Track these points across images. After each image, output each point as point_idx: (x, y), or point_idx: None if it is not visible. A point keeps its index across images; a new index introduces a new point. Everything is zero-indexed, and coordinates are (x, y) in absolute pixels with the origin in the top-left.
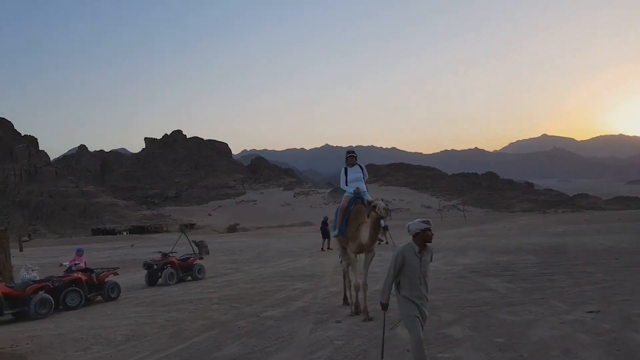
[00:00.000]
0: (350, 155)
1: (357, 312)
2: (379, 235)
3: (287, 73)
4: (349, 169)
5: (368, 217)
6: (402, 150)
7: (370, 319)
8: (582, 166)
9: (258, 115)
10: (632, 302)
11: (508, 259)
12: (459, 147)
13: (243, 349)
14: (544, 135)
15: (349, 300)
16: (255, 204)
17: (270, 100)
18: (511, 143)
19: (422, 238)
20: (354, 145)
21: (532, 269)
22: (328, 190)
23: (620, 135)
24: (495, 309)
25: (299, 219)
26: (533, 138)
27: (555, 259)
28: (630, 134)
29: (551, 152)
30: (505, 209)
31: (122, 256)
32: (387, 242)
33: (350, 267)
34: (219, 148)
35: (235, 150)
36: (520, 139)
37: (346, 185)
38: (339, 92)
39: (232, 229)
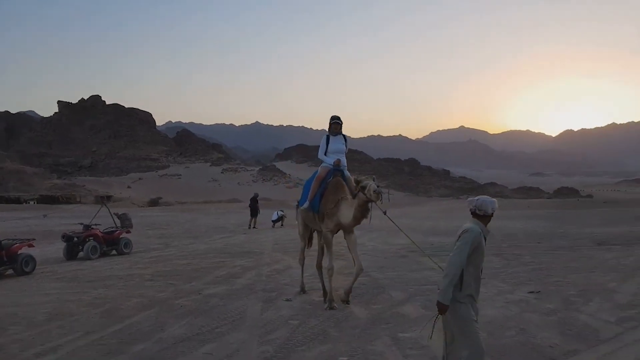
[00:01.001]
0: (335, 122)
1: (331, 306)
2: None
3: (219, 44)
4: (331, 138)
5: (354, 197)
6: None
7: (334, 308)
8: (493, 157)
9: (185, 85)
10: (565, 283)
11: (440, 239)
12: (384, 134)
13: (190, 329)
14: (462, 127)
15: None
16: (180, 178)
17: (199, 70)
18: (432, 132)
19: (488, 221)
20: (285, 125)
21: None
22: (257, 168)
23: (528, 131)
24: None
25: (226, 196)
26: (451, 129)
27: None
28: (536, 131)
29: (467, 143)
30: (424, 193)
31: (31, 227)
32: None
33: (325, 249)
34: (142, 117)
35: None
36: (440, 129)
37: (325, 155)
38: (274, 70)
39: (154, 202)
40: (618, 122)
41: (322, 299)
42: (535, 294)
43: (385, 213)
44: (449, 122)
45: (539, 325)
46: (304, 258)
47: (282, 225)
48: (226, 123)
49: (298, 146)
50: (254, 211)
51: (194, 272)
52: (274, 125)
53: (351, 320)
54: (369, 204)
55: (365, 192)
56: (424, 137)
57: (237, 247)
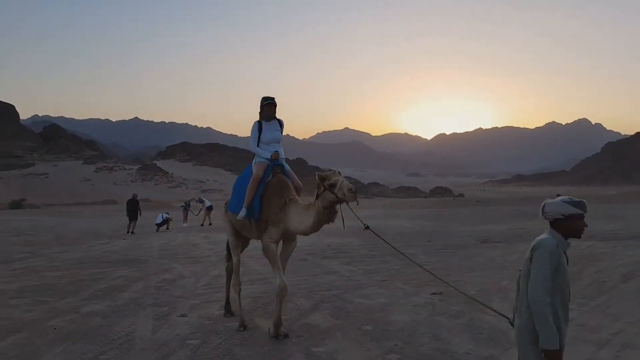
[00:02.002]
0: (269, 104)
1: (284, 333)
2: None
3: (92, 29)
4: (264, 124)
5: (317, 198)
6: (217, 131)
7: (287, 335)
8: (375, 158)
9: (54, 75)
10: (464, 282)
11: (335, 241)
12: None
13: (68, 357)
14: (346, 129)
15: (235, 309)
16: (47, 177)
17: (70, 59)
18: (318, 133)
19: (571, 228)
20: (167, 122)
21: (362, 251)
22: (136, 167)
23: (406, 134)
24: (347, 293)
25: (101, 197)
26: (337, 130)
27: (377, 241)
28: (414, 134)
29: (351, 144)
30: (310, 193)
31: None
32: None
33: (270, 264)
34: (4, 110)
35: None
36: (326, 130)
37: (258, 146)
38: (155, 60)
39: (17, 205)
40: (484, 128)
41: (223, 312)
42: (438, 295)
43: (367, 227)
44: (335, 123)
45: (450, 329)
46: (239, 282)
47: (167, 228)
48: (101, 118)
49: (182, 144)
50: (133, 214)
51: (68, 286)
52: (155, 121)
53: (258, 336)
54: (338, 206)
55: (336, 191)
56: (310, 137)
57: (117, 254)
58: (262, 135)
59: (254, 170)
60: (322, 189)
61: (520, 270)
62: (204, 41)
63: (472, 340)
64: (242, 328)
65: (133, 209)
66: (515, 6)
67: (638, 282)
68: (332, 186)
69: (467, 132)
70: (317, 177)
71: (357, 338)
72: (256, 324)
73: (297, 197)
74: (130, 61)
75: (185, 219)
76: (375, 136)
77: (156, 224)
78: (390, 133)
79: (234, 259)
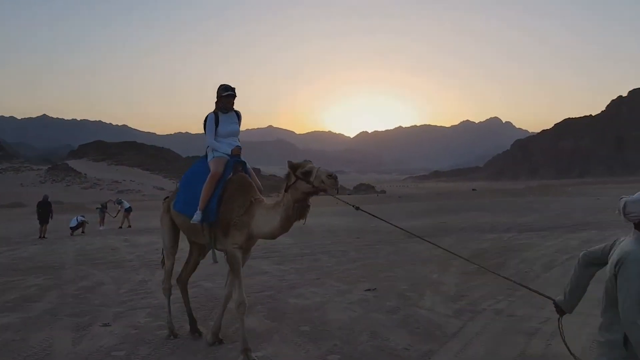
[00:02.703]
0: (229, 94)
1: (219, 340)
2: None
3: None
4: (222, 117)
5: (286, 190)
6: (134, 129)
7: (221, 341)
8: (299, 156)
9: None
10: (395, 278)
11: (264, 240)
12: (192, 130)
13: None
14: (270, 127)
15: (169, 323)
16: None
17: None
18: (241, 131)
19: None
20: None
21: (293, 249)
22: (45, 167)
23: (330, 132)
24: (281, 293)
25: (6, 200)
26: (261, 128)
27: (308, 239)
28: (337, 132)
29: (275, 142)
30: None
31: None
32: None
33: (233, 274)
34: None
35: None
36: (250, 128)
37: (215, 140)
38: (62, 54)
39: None
40: (404, 126)
41: (149, 319)
42: (372, 291)
43: (357, 208)
44: (258, 121)
45: (387, 325)
46: (170, 286)
47: (83, 232)
48: (5, 115)
49: (95, 142)
50: (45, 217)
51: None
52: (66, 118)
53: (190, 343)
54: (309, 198)
55: (312, 179)
56: None
57: (28, 261)
58: (219, 129)
59: (212, 167)
60: (293, 179)
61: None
62: (119, 33)
63: (409, 335)
64: (172, 336)
65: (44, 211)
66: (433, 7)
67: (558, 271)
68: (307, 174)
69: (388, 130)
70: (288, 166)
71: (295, 340)
72: (187, 331)
73: (263, 198)
74: (37, 53)
75: (102, 221)
76: (300, 134)
77: (70, 228)
78: (314, 131)
79: (168, 262)
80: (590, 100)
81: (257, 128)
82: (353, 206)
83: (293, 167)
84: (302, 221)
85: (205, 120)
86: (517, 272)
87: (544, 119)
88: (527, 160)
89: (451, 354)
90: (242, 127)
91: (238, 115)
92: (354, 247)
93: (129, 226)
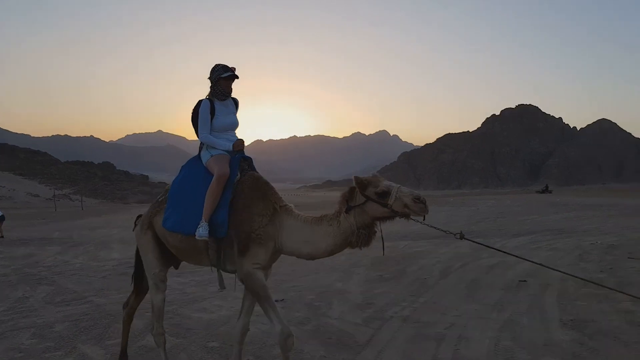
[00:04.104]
0: (230, 75)
1: None
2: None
3: None
4: (218, 105)
5: (347, 212)
6: (4, 130)
7: None
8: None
9: None
10: (301, 287)
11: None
12: (72, 134)
13: None
14: (160, 131)
15: None
16: None
17: None
18: (128, 135)
19: None
20: None
21: None
22: None
23: None
24: (184, 307)
25: None
26: (149, 133)
27: None
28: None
29: (165, 147)
30: (120, 200)
31: None
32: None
33: (262, 301)
34: None
35: None
36: (138, 132)
37: (210, 133)
38: None
39: None
40: (298, 135)
41: (36, 340)
42: (280, 302)
43: (462, 237)
44: (147, 125)
45: (299, 336)
46: (164, 331)
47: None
48: None
49: None
50: None
51: None
52: None
53: None
54: (379, 223)
55: (390, 202)
56: (118, 139)
57: None
58: (214, 121)
59: (215, 167)
60: (360, 199)
61: None
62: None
63: (322, 346)
64: None
65: None
66: (327, 17)
67: (454, 277)
68: (384, 195)
69: (282, 139)
70: (355, 183)
71: (204, 357)
72: (82, 353)
73: (290, 204)
74: None
75: None
76: (192, 140)
77: None
78: None
79: (158, 297)
80: (468, 118)
81: (146, 132)
82: (455, 234)
83: (362, 184)
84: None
85: (196, 110)
86: (417, 279)
87: (427, 134)
88: (412, 172)
89: None
90: (128, 130)
91: (236, 103)
92: None
93: (2, 236)
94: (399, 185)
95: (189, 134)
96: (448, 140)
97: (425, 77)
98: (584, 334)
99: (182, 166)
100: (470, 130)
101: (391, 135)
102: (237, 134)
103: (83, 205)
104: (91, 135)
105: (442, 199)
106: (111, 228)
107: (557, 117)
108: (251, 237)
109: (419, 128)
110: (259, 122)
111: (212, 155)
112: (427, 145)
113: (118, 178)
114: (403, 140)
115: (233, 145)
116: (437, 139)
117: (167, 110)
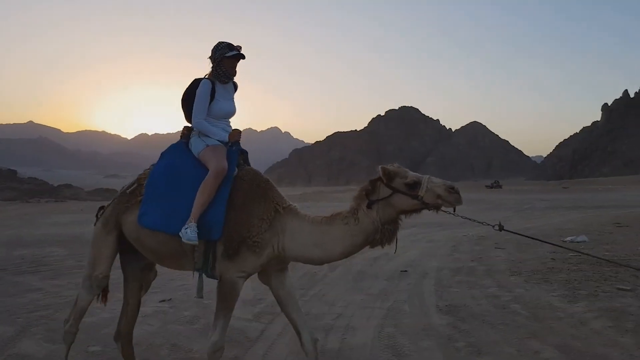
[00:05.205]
0: (236, 55)
1: None
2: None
3: None
4: (219, 88)
5: (370, 206)
6: None
7: None
8: (66, 157)
9: None
10: (189, 286)
11: (32, 252)
12: None
13: None
14: (31, 123)
15: None
16: None
17: None
18: None
19: None
20: None
21: (67, 262)
22: None
23: (104, 132)
24: (60, 312)
25: None
26: (19, 124)
27: (84, 249)
28: (113, 132)
29: (37, 140)
30: (25, 197)
31: None
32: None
33: (222, 310)
34: None
35: None
36: (5, 123)
37: (205, 120)
38: None
39: None
40: None
41: None
42: (167, 302)
43: (501, 228)
44: (16, 116)
45: (188, 336)
46: (77, 330)
47: None
48: None
49: None
50: None
51: None
52: None
53: None
54: (401, 218)
55: (421, 193)
56: None
57: None
58: (213, 105)
59: (213, 161)
60: (385, 192)
61: None
62: None
63: (200, 338)
64: None
65: None
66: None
67: (342, 270)
68: (414, 186)
69: (169, 133)
70: (382, 173)
71: None
72: None
73: (294, 205)
74: None
75: None
76: (67, 133)
77: None
78: (86, 130)
79: (88, 299)
80: (356, 117)
81: (15, 123)
82: (493, 226)
83: (390, 175)
84: (385, 247)
85: (191, 90)
86: (307, 272)
87: (317, 131)
88: (303, 168)
89: (257, 357)
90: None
91: (235, 87)
92: None
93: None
94: (428, 176)
95: (65, 125)
96: (337, 139)
97: (317, 76)
98: (457, 318)
99: (162, 153)
100: (358, 129)
101: (283, 132)
102: (231, 124)
103: None
104: None
105: (331, 195)
106: None
107: (435, 118)
108: (246, 242)
109: (310, 125)
110: (144, 115)
111: (207, 145)
112: (317, 142)
113: None
114: (294, 137)
115: (229, 135)
116: (327, 137)
117: (39, 100)
